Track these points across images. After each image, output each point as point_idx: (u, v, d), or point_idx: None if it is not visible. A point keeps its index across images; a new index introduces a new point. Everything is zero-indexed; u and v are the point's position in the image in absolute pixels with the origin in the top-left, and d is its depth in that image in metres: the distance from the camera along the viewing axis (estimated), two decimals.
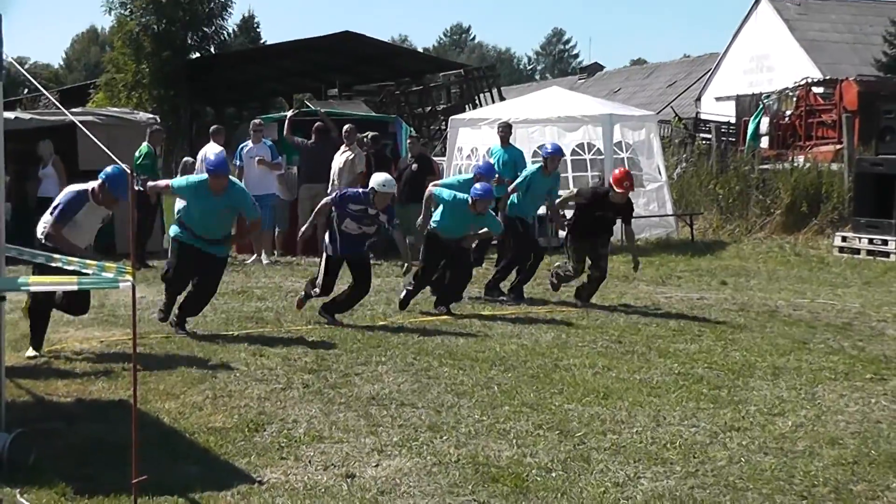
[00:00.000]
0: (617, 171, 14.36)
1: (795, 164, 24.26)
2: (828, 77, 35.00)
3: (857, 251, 19.89)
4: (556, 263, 14.91)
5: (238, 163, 19.08)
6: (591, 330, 12.24)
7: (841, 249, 20.26)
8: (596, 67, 77.34)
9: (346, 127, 18.89)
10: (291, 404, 8.67)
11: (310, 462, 7.19)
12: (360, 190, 12.83)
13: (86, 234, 10.52)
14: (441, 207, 13.45)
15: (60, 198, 10.45)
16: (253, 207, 12.02)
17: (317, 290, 12.69)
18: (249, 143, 19.22)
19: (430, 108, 40.83)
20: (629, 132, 21.91)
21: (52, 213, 10.29)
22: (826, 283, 16.66)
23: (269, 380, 9.53)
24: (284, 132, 19.55)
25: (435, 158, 22.45)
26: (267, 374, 9.80)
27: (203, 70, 48.47)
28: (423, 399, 8.90)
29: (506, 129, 17.98)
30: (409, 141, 20.59)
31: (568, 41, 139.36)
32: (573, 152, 21.07)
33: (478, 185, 13.27)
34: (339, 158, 18.58)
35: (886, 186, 19.57)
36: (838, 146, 26.17)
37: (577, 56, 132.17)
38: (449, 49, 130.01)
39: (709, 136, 31.13)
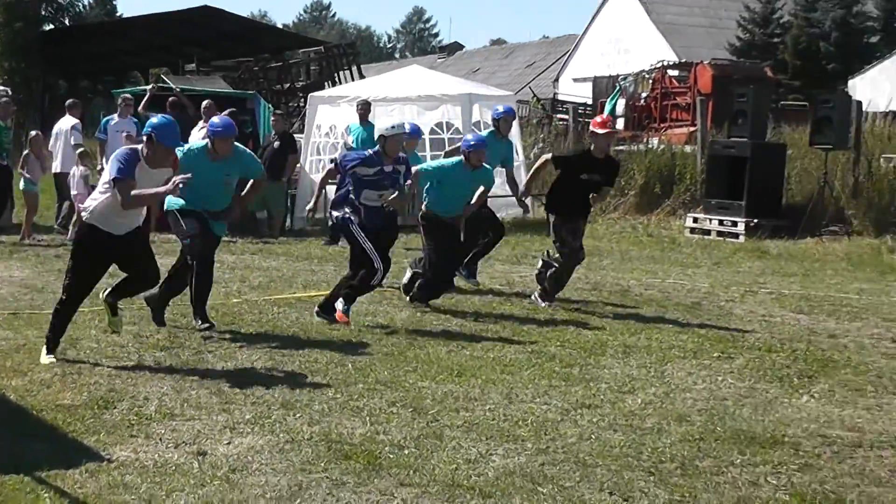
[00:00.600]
0: (598, 119, 13.04)
1: (650, 146, 24.63)
2: (683, 60, 35.65)
3: (708, 232, 20.29)
4: (542, 257, 13.40)
5: (102, 136, 18.78)
6: (446, 309, 12.29)
7: (692, 230, 20.66)
8: (456, 46, 77.77)
9: (204, 103, 18.72)
10: (142, 381, 8.54)
11: (160, 439, 7.09)
12: (365, 151, 11.64)
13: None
14: (429, 185, 12.23)
15: (110, 164, 9.23)
16: (260, 167, 11.41)
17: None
18: (115, 117, 18.95)
19: (289, 84, 40.51)
20: (488, 112, 22.00)
21: (108, 181, 9.07)
22: (677, 264, 16.98)
23: (120, 357, 9.39)
24: (140, 107, 19.27)
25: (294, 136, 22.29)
26: (118, 350, 9.64)
27: (57, 42, 47.47)
28: (277, 376, 8.86)
29: (365, 107, 17.93)
30: (272, 118, 20.42)
31: (428, 20, 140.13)
32: (432, 131, 21.01)
33: (469, 137, 12.69)
34: (197, 135, 18.37)
35: (738, 169, 19.98)
36: (692, 128, 26.67)
37: (437, 35, 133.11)
38: (309, 26, 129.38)
39: (566, 116, 31.44)
